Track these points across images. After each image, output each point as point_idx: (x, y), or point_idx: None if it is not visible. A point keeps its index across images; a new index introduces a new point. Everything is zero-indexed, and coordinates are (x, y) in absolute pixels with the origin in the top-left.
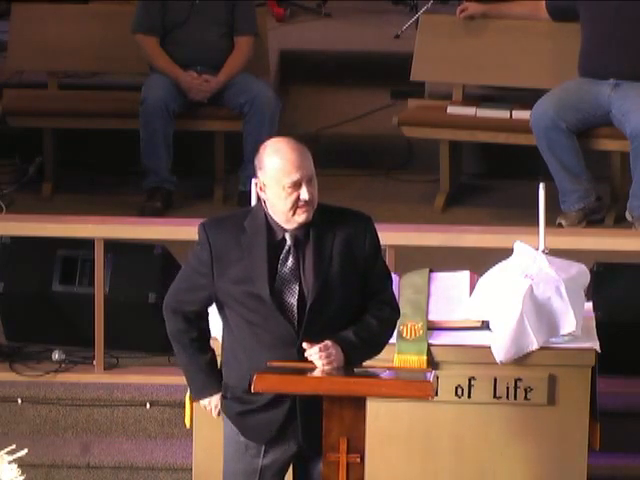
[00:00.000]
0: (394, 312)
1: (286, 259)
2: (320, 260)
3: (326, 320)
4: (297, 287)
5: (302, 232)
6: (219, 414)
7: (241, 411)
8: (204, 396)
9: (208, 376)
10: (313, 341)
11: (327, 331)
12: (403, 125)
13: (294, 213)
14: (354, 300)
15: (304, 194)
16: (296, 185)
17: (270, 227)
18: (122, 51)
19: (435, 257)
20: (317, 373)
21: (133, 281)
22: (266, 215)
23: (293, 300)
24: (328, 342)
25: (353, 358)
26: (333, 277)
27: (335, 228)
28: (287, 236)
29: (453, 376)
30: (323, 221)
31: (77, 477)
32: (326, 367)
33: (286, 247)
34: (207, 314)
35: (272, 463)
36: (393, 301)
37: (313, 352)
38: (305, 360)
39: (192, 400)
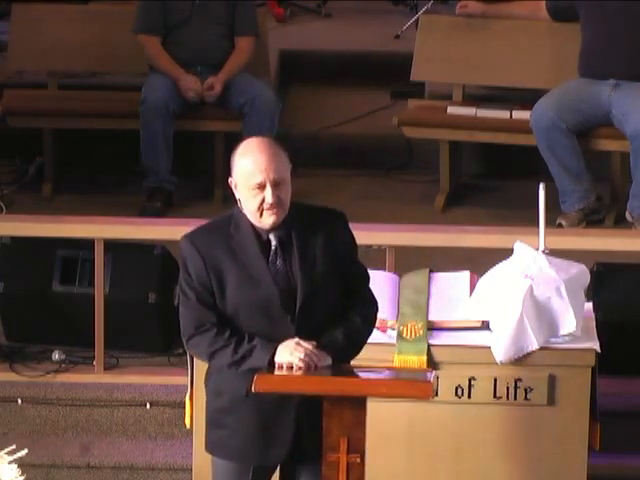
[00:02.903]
0: (375, 308)
1: (275, 260)
2: (306, 261)
3: (315, 321)
4: (288, 287)
5: (284, 232)
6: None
7: (225, 424)
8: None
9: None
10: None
11: (316, 332)
12: (403, 125)
13: (261, 215)
14: (338, 298)
15: (268, 197)
16: (261, 187)
17: (255, 229)
18: (122, 51)
19: (435, 257)
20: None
21: (133, 281)
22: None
23: (288, 301)
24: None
25: (339, 359)
26: (319, 277)
27: (315, 227)
28: (271, 237)
29: (453, 376)
30: (302, 220)
31: (77, 477)
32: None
33: (272, 248)
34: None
35: (262, 469)
36: (372, 296)
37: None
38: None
39: (272, 365)
